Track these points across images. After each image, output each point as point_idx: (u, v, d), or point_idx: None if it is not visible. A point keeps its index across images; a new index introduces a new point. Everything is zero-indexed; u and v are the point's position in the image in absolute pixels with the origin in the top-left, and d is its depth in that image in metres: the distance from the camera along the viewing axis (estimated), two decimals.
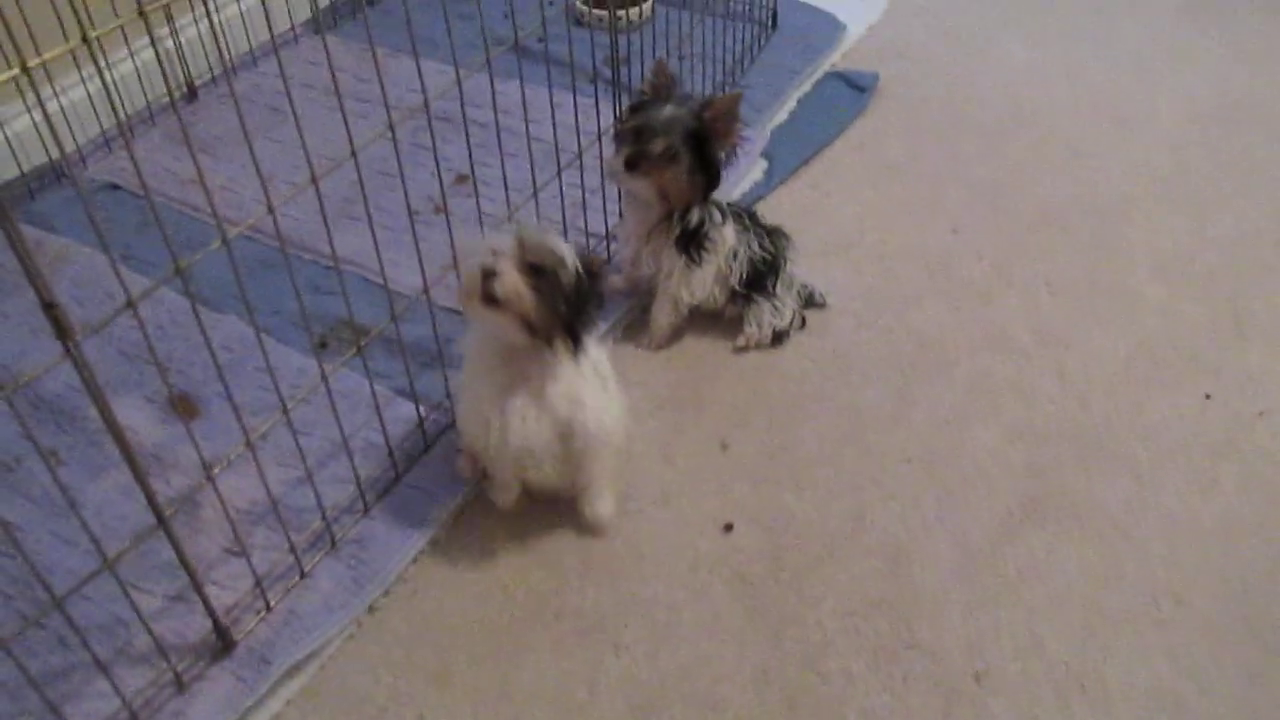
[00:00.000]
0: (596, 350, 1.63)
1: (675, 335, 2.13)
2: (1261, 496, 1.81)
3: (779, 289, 2.07)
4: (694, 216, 1.96)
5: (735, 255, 2.03)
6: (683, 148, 1.88)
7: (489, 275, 1.46)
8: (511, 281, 1.46)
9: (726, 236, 2.01)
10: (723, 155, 1.93)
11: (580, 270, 1.51)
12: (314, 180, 1.43)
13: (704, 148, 1.90)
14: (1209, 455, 1.87)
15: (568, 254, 1.50)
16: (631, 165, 1.90)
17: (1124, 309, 2.17)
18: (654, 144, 1.87)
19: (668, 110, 1.88)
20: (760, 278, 2.05)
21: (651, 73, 1.95)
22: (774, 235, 2.09)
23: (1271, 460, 1.86)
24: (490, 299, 1.47)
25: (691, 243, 1.98)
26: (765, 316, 2.07)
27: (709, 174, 1.92)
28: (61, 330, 1.16)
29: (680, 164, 1.89)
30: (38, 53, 1.09)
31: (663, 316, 2.09)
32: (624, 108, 2.05)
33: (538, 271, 1.48)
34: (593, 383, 1.61)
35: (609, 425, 1.65)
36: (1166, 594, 1.66)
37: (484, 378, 1.60)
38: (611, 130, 2.08)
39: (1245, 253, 2.30)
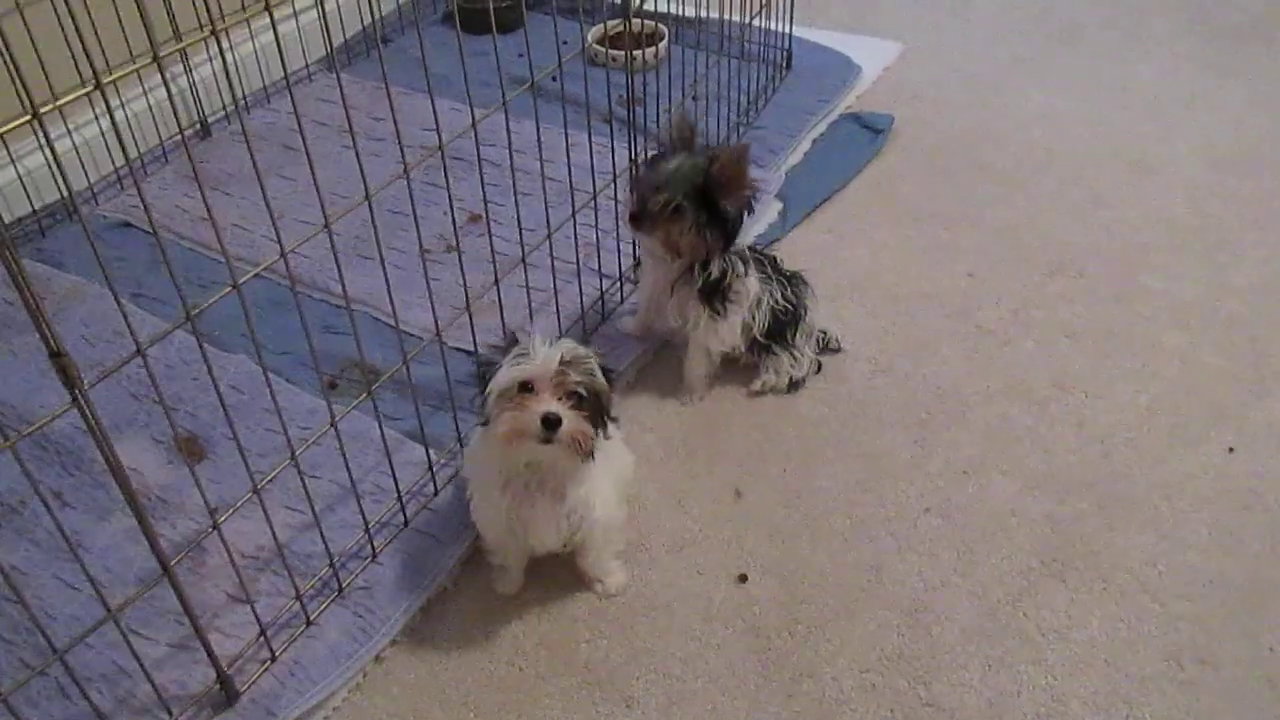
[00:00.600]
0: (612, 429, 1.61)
1: (709, 384, 2.11)
2: None
3: (799, 339, 2.04)
4: (715, 268, 1.93)
5: (760, 304, 2.00)
6: (687, 203, 1.84)
7: (552, 423, 1.43)
8: (573, 427, 1.44)
9: (750, 287, 1.98)
10: (734, 209, 1.87)
11: (609, 380, 1.52)
12: (326, 224, 1.41)
13: (713, 202, 1.85)
14: (1234, 509, 1.84)
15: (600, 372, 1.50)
16: (636, 221, 1.88)
17: (1144, 358, 2.14)
18: (655, 200, 1.84)
19: (674, 164, 1.86)
20: (781, 327, 2.02)
21: (673, 124, 1.92)
22: (794, 283, 2.06)
23: None
24: (547, 439, 1.44)
25: (715, 295, 1.95)
26: (784, 366, 2.04)
27: (723, 227, 1.88)
28: (69, 379, 1.13)
29: (685, 219, 1.85)
30: (51, 92, 1.08)
31: (697, 369, 2.06)
32: (645, 158, 2.03)
33: (579, 396, 1.47)
34: (604, 472, 1.59)
35: (615, 515, 1.65)
36: (1190, 654, 1.62)
37: (502, 487, 1.56)
38: (628, 179, 2.06)
39: (1266, 301, 2.27)
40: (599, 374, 1.49)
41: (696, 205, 1.85)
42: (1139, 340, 2.18)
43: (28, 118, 1.01)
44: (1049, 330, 2.21)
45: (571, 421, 1.44)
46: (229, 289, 1.31)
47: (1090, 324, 2.22)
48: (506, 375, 1.45)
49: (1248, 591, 1.71)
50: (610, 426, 1.57)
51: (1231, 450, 1.94)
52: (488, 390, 1.47)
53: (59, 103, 1.06)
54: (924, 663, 1.62)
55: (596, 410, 1.49)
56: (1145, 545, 1.78)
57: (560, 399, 1.45)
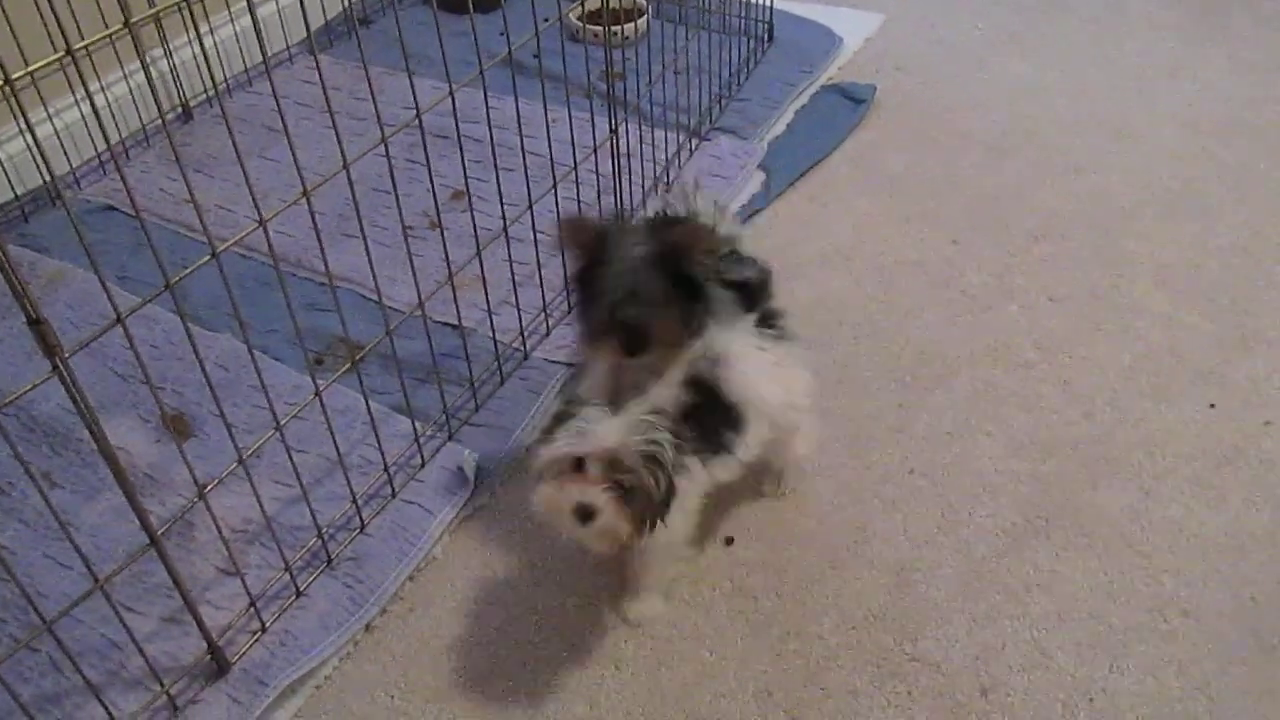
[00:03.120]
0: None
1: None
2: (1269, 507, 1.78)
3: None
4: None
5: None
6: (673, 299, 1.58)
7: (587, 515, 1.35)
8: (610, 524, 1.36)
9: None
10: (703, 273, 1.60)
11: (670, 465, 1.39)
12: (305, 194, 1.42)
13: (682, 277, 1.58)
14: (1215, 466, 1.85)
15: (662, 449, 1.37)
16: (636, 352, 1.58)
17: (1126, 320, 2.15)
18: (652, 319, 1.56)
19: (623, 261, 1.56)
20: None
21: (566, 234, 1.63)
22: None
23: (1278, 471, 1.84)
24: (584, 524, 1.36)
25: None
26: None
27: (697, 296, 1.60)
28: (48, 346, 1.14)
29: (674, 311, 1.58)
30: (24, 61, 1.08)
31: None
32: (565, 281, 1.72)
33: (629, 488, 1.36)
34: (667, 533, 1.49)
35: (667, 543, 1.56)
36: (1174, 607, 1.64)
37: None
38: (576, 313, 1.75)
39: (1247, 264, 2.28)
40: (662, 462, 1.36)
41: (678, 293, 1.58)
42: (1121, 302, 2.19)
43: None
44: (1032, 294, 2.22)
45: (610, 518, 1.35)
46: (209, 258, 1.32)
47: (1073, 288, 2.23)
48: (556, 451, 1.36)
49: (1229, 544, 1.72)
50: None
51: (1213, 407, 1.95)
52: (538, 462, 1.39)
53: (31, 68, 1.07)
54: (910, 619, 1.64)
55: (647, 506, 1.38)
56: (1128, 501, 1.79)
57: (607, 487, 1.35)
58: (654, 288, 1.55)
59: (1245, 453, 1.87)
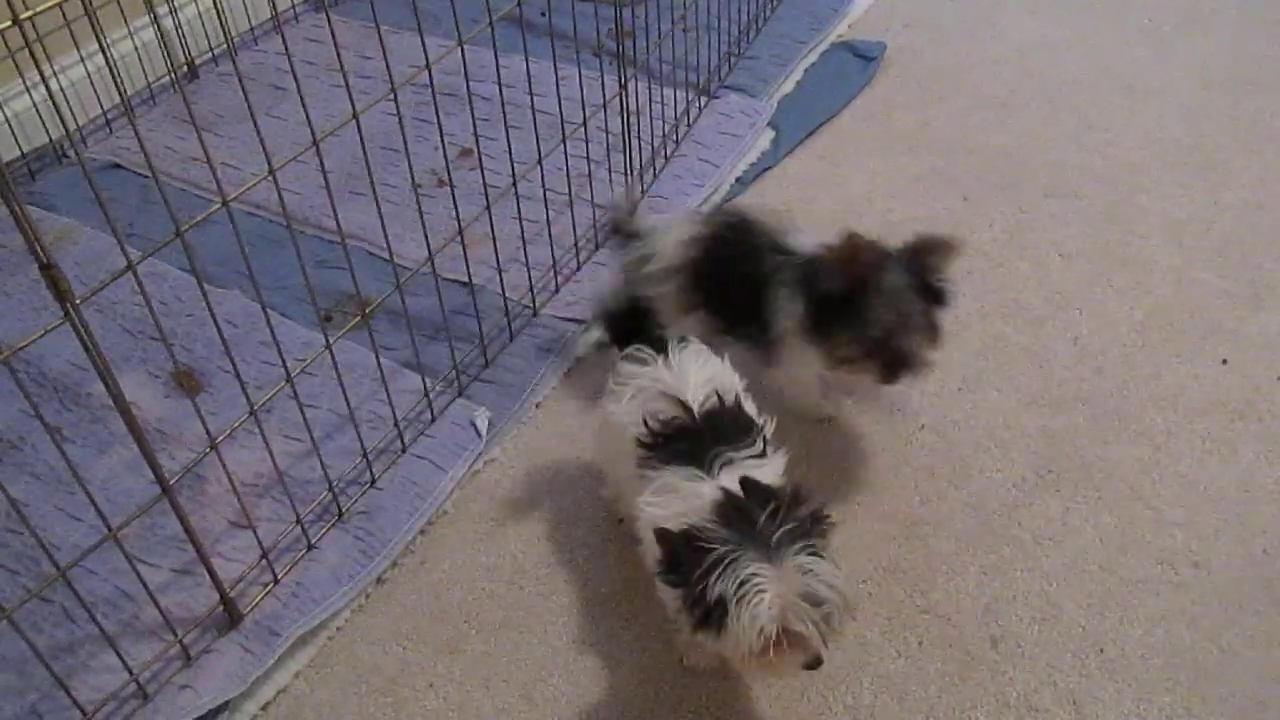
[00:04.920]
0: None
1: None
2: None
3: None
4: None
5: None
6: (933, 321, 1.61)
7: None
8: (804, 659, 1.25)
9: None
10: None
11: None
12: (315, 143, 1.41)
13: (930, 288, 1.61)
14: (1227, 420, 1.84)
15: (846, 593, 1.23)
16: (898, 377, 1.60)
17: (1138, 275, 2.14)
18: (920, 348, 1.59)
19: (898, 292, 1.56)
20: None
21: (845, 256, 1.56)
22: None
23: None
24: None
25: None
26: None
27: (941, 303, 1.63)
28: (59, 292, 1.14)
29: (933, 335, 1.62)
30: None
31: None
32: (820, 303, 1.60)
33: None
34: None
35: None
36: (1184, 558, 1.64)
37: None
38: (823, 329, 1.62)
39: (1260, 218, 2.26)
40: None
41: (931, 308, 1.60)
42: (1133, 258, 2.18)
43: (9, 23, 1.00)
44: (1043, 251, 2.21)
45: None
46: (219, 205, 1.32)
47: (1084, 244, 2.22)
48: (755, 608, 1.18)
49: (1240, 498, 1.72)
50: None
51: (1225, 362, 1.94)
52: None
53: (39, 10, 1.06)
54: (921, 572, 1.64)
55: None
56: (1139, 456, 1.79)
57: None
58: (921, 316, 1.57)
59: (1256, 407, 1.86)
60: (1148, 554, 1.64)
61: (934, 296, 1.58)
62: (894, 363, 1.58)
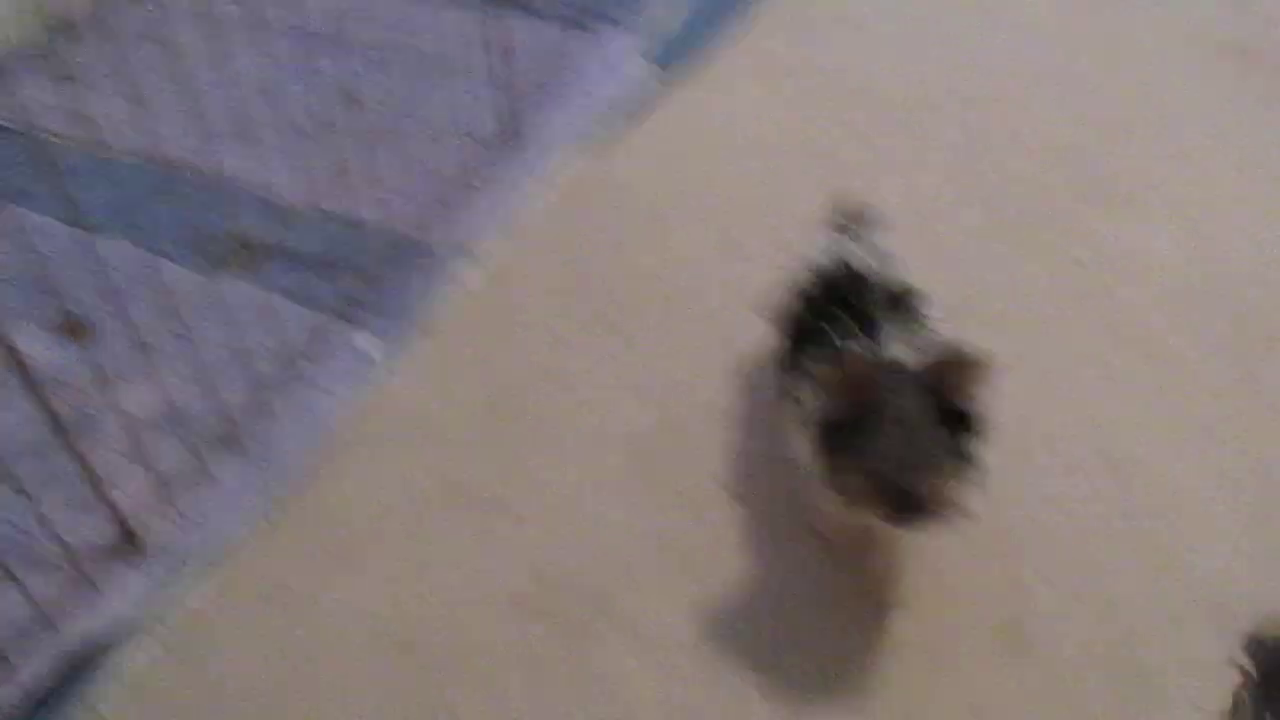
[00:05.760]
0: None
1: None
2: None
3: None
4: None
5: None
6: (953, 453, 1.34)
7: None
8: None
9: None
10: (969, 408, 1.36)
11: None
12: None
13: (954, 411, 1.35)
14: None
15: None
16: (909, 520, 1.34)
17: (990, 183, 2.29)
18: (932, 487, 1.32)
19: (907, 420, 1.31)
20: None
21: (839, 382, 1.35)
22: None
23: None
24: None
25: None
26: None
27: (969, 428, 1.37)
28: None
29: (953, 470, 1.35)
30: None
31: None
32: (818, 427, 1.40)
33: None
34: None
35: None
36: None
37: None
38: (828, 458, 1.39)
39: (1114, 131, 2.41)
40: None
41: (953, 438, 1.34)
42: (984, 169, 2.32)
43: None
44: (907, 163, 2.33)
45: None
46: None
47: (941, 158, 2.35)
48: None
49: None
50: None
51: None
52: None
53: None
54: None
55: None
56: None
57: None
58: (935, 449, 1.32)
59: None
60: None
61: (960, 422, 1.34)
62: (902, 503, 1.32)
